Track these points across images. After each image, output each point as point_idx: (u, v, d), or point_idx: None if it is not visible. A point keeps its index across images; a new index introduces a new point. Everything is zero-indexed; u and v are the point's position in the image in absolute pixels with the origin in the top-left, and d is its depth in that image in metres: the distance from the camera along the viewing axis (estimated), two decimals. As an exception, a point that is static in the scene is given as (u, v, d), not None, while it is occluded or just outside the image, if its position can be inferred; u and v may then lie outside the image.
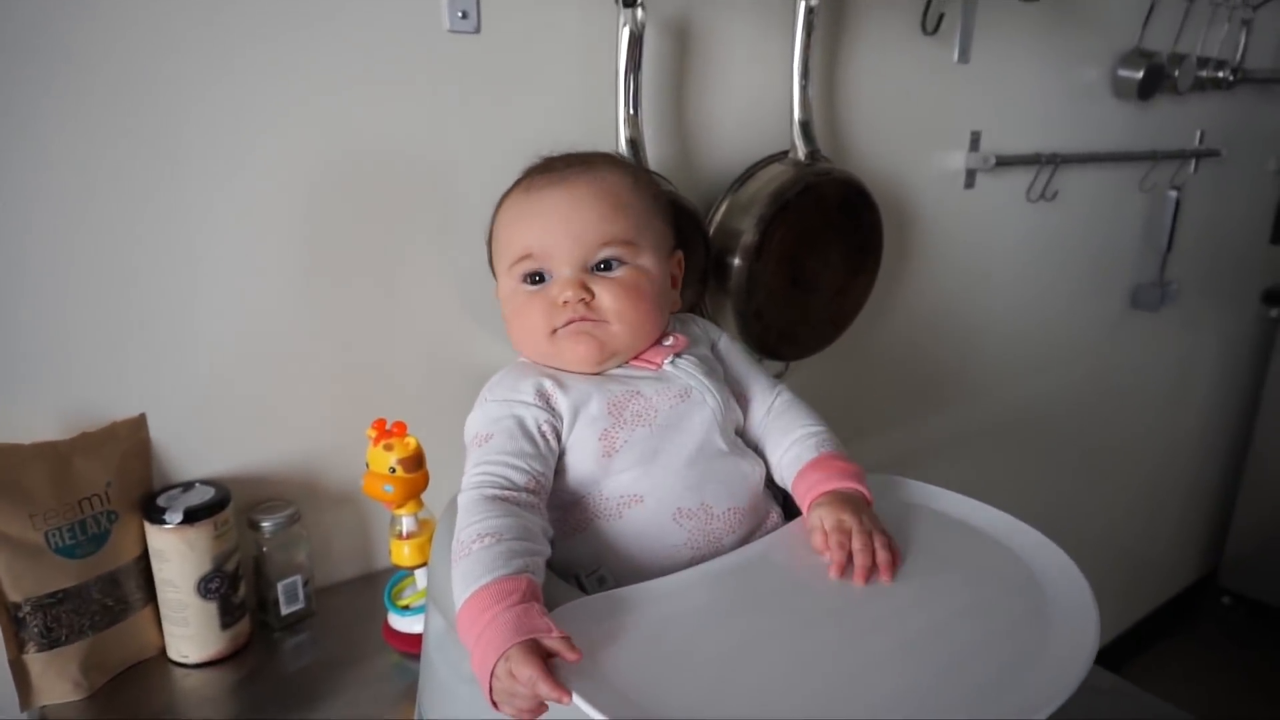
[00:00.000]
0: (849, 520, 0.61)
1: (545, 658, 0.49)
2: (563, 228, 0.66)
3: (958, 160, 1.37)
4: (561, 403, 0.64)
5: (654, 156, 0.99)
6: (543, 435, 0.63)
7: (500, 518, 0.57)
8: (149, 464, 0.80)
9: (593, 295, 0.66)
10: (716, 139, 1.08)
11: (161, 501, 0.77)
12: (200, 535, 0.76)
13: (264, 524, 0.83)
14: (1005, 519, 0.66)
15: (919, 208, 1.33)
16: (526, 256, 0.67)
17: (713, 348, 0.75)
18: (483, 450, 0.62)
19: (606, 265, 0.68)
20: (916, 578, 0.60)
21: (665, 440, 0.65)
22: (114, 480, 0.76)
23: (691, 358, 0.70)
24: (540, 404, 0.64)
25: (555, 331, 0.67)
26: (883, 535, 0.61)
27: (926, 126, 1.31)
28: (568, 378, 0.67)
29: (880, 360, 1.37)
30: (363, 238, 0.86)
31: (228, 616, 0.79)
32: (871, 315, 1.25)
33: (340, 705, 0.76)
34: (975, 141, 1.38)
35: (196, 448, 0.82)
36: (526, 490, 0.60)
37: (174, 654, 0.79)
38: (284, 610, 0.84)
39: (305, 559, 0.86)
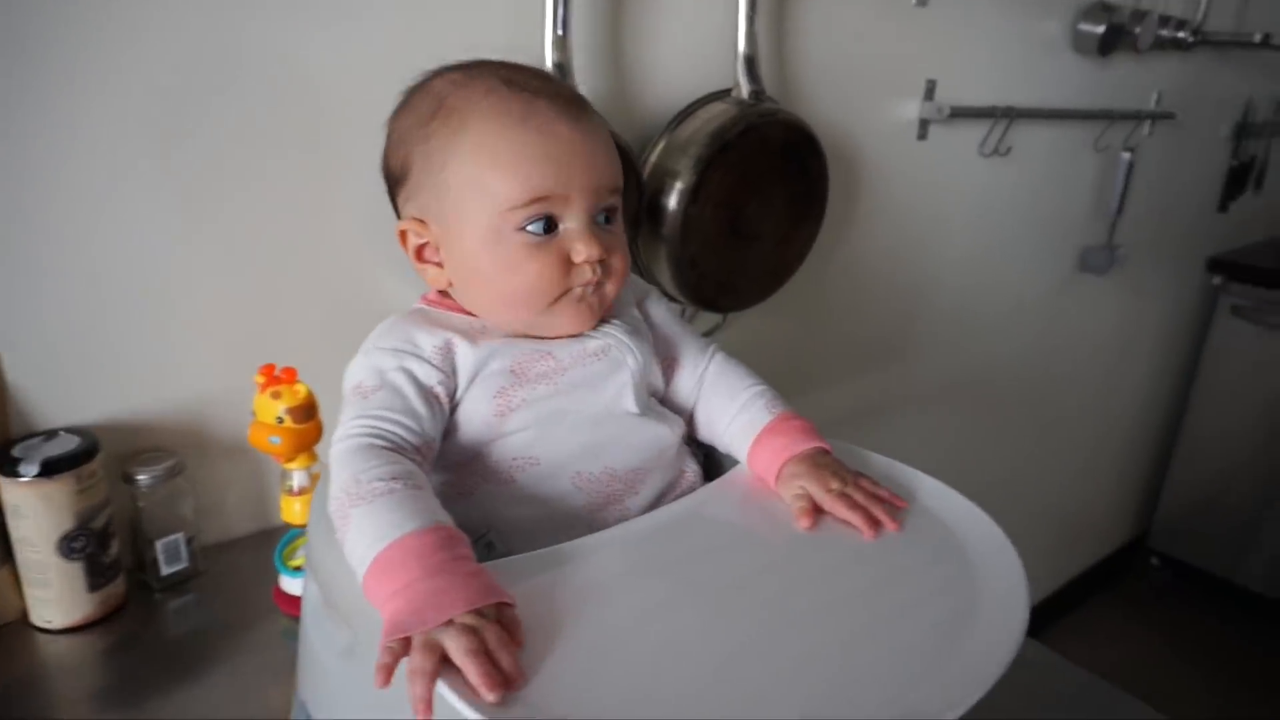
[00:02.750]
0: (836, 484, 0.58)
1: None
2: (586, 172, 0.56)
3: (911, 109, 1.32)
4: (464, 361, 0.57)
5: (584, 86, 0.91)
6: (435, 397, 0.56)
7: (404, 465, 0.50)
8: (5, 409, 0.71)
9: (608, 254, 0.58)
10: (654, 71, 1.00)
11: (17, 452, 0.69)
12: (60, 490, 0.69)
13: (139, 477, 0.75)
14: (939, 487, 0.61)
15: (869, 156, 1.27)
16: (541, 199, 0.55)
17: (639, 305, 0.69)
18: (367, 403, 0.54)
19: (607, 217, 0.59)
20: (842, 544, 0.55)
21: (570, 400, 0.58)
22: (-41, 427, 0.68)
23: (616, 320, 0.63)
24: (438, 361, 0.56)
25: (562, 296, 0.58)
26: (864, 478, 0.59)
27: (880, 72, 1.25)
28: (483, 333, 0.59)
29: (824, 314, 1.33)
30: (249, 161, 0.78)
31: (97, 578, 0.72)
32: (815, 267, 1.19)
33: (222, 674, 0.70)
34: (930, 90, 1.32)
35: (62, 392, 0.74)
36: (416, 452, 0.53)
37: (36, 619, 0.72)
38: (164, 570, 0.77)
39: (189, 515, 0.79)
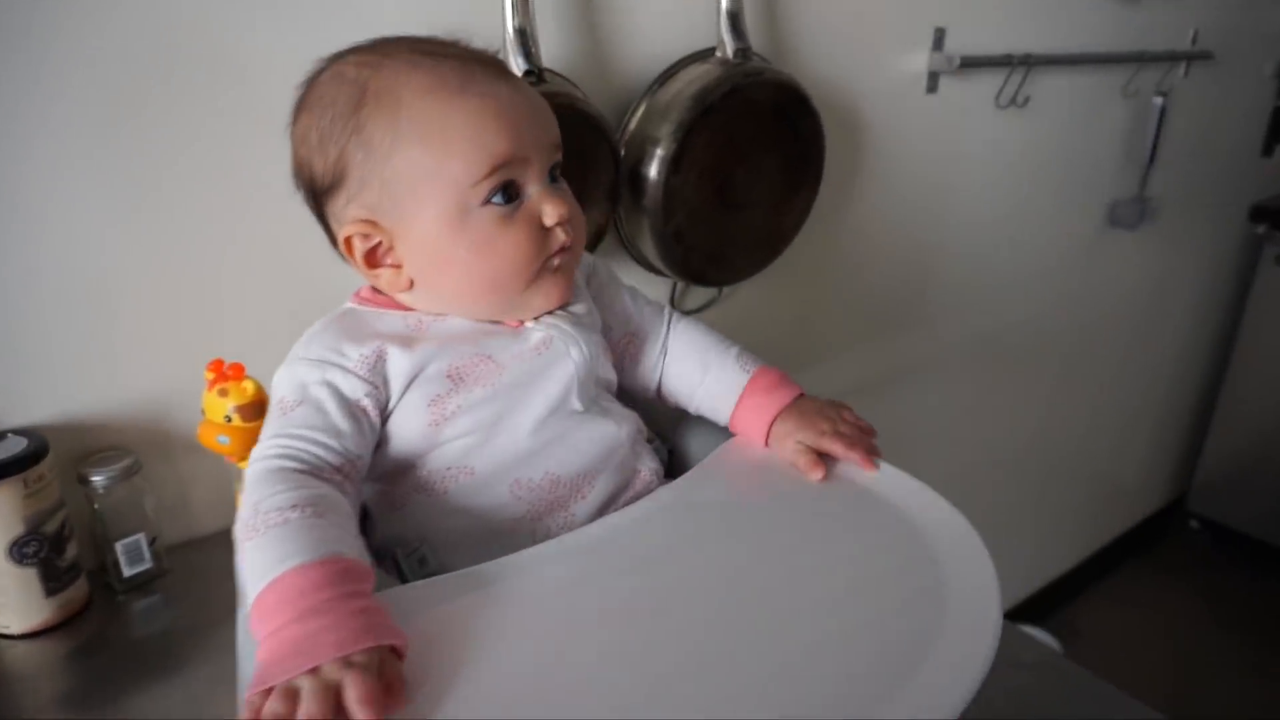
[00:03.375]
0: (826, 425, 0.59)
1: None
2: (537, 130, 0.53)
3: (918, 61, 1.24)
4: (396, 371, 0.53)
5: (552, 52, 0.86)
6: (363, 411, 0.52)
7: (313, 489, 0.47)
8: (-52, 412, 0.69)
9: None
10: (630, 31, 0.94)
11: (-40, 456, 0.67)
12: (7, 494, 0.66)
13: (94, 478, 0.73)
14: (911, 484, 0.56)
15: (872, 114, 1.20)
16: (502, 165, 0.51)
17: (588, 281, 0.64)
18: (286, 420, 0.51)
19: (554, 176, 0.56)
20: (802, 547, 0.51)
21: (510, 402, 0.54)
22: (-101, 432, 0.66)
23: (560, 311, 0.58)
24: (365, 373, 0.52)
25: (541, 268, 0.54)
26: (844, 408, 0.61)
27: (883, 21, 1.17)
28: (419, 334, 0.54)
29: (827, 283, 1.26)
30: (198, 149, 0.74)
31: (53, 582, 0.70)
32: (815, 234, 1.13)
33: (188, 675, 0.68)
34: (939, 40, 1.24)
35: (8, 393, 0.71)
36: (338, 472, 0.50)
37: (-6, 624, 0.71)
38: (126, 572, 0.75)
39: (150, 514, 0.76)
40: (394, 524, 0.54)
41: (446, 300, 0.56)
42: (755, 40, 0.98)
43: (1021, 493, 1.88)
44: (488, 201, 0.52)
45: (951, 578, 0.49)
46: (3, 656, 0.70)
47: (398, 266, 0.55)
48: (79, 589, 0.73)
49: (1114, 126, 1.61)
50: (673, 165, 0.92)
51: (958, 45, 1.24)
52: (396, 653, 0.40)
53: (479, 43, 0.57)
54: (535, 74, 0.82)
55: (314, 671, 0.37)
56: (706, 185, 0.96)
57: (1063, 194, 1.58)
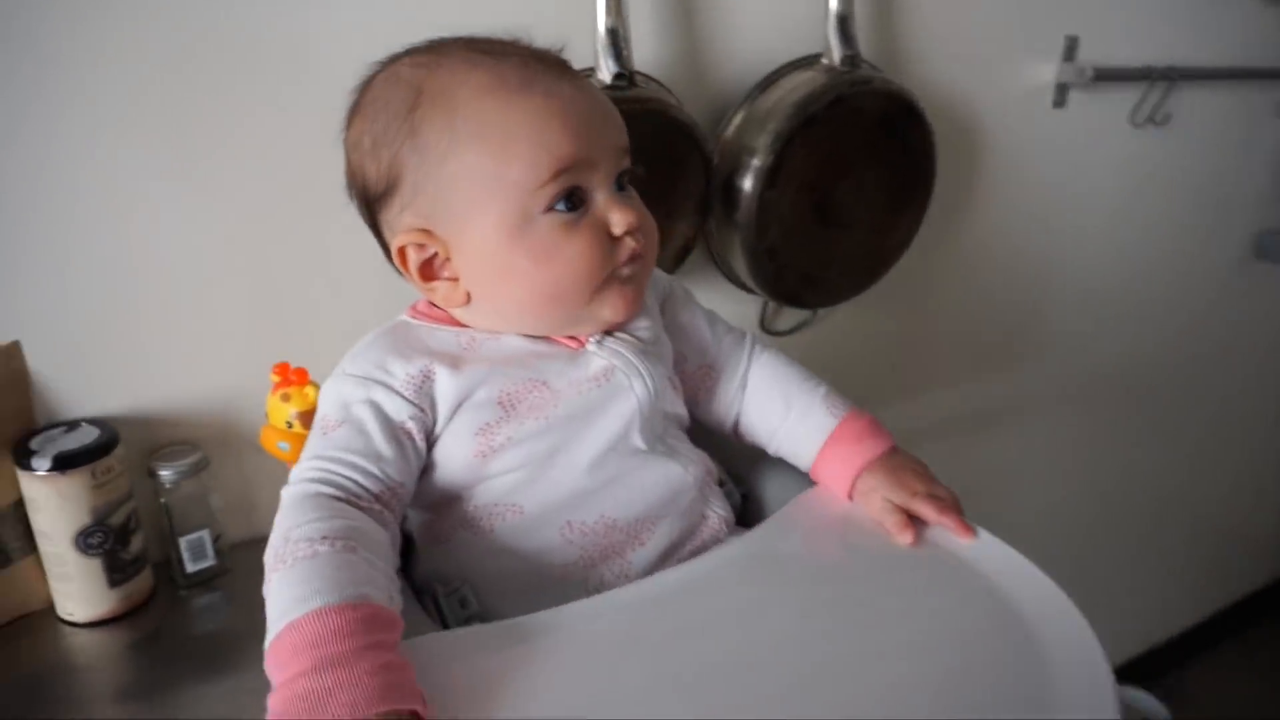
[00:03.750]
0: (921, 486, 0.53)
1: None
2: (604, 132, 0.49)
3: (1046, 72, 1.14)
4: (444, 393, 0.49)
5: (645, 54, 0.82)
6: (408, 435, 0.49)
7: (347, 520, 0.43)
8: (28, 398, 0.70)
9: None
10: (730, 34, 0.89)
11: (35, 444, 0.67)
12: (74, 484, 0.67)
13: (162, 472, 0.73)
14: (1011, 556, 0.49)
15: (991, 129, 1.11)
16: (567, 169, 0.48)
17: (662, 306, 0.59)
18: (325, 441, 0.48)
19: (622, 184, 0.52)
20: (887, 620, 0.45)
21: (564, 437, 0.50)
22: (-21, 416, 0.67)
23: (625, 335, 0.54)
24: (411, 394, 0.49)
25: (607, 280, 0.50)
26: (938, 485, 0.55)
27: (1008, 28, 1.08)
28: (470, 354, 0.51)
29: (931, 310, 1.18)
30: (277, 151, 0.73)
31: (117, 574, 0.70)
32: (921, 257, 1.05)
33: (244, 674, 0.66)
34: (1071, 49, 1.14)
35: (84, 383, 0.72)
36: (377, 500, 0.46)
37: (61, 611, 0.71)
38: (190, 568, 0.75)
39: (215, 511, 0.76)
40: (437, 558, 0.50)
41: (506, 315, 0.52)
42: (865, 47, 0.92)
43: (1135, 543, 1.73)
44: (550, 208, 0.48)
45: (1057, 665, 0.42)
46: (67, 643, 0.70)
47: (454, 279, 0.51)
48: (143, 581, 0.73)
49: (1266, 149, 1.46)
50: (769, 178, 0.87)
51: (1091, 56, 1.14)
52: (416, 718, 0.36)
53: (569, 45, 0.54)
54: (626, 77, 0.78)
55: None
56: (804, 200, 0.90)
57: (1203, 222, 1.45)
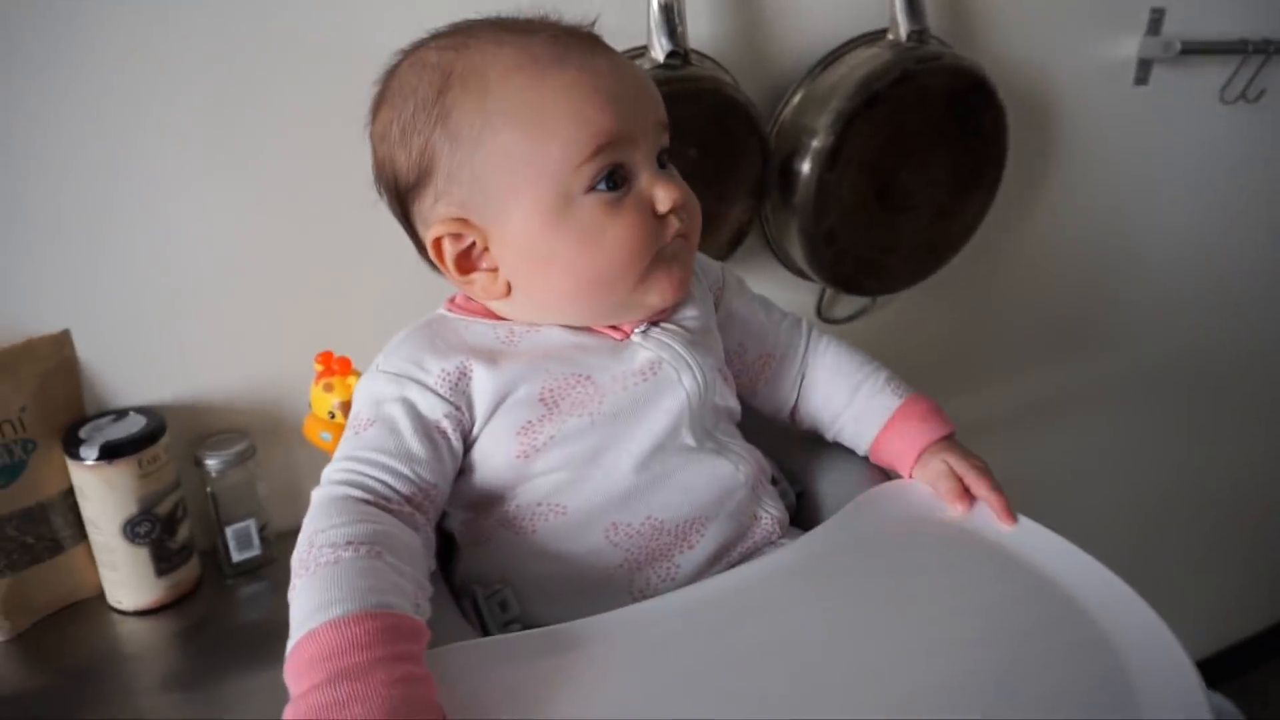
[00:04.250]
0: (978, 462, 0.53)
1: None
2: (644, 106, 0.47)
3: (1128, 46, 1.07)
4: (481, 391, 0.47)
5: (700, 31, 0.78)
6: (442, 434, 0.47)
7: (374, 524, 0.42)
8: (77, 387, 0.70)
9: None
10: (788, 11, 0.85)
11: (84, 432, 0.67)
12: (122, 474, 0.67)
13: (209, 461, 0.72)
14: (1094, 567, 0.45)
15: (1067, 108, 1.05)
16: (607, 145, 0.45)
17: (716, 297, 0.56)
18: (357, 440, 0.46)
19: (663, 161, 0.50)
20: (956, 632, 0.42)
21: (609, 435, 0.48)
22: (30, 405, 0.67)
23: (671, 325, 0.51)
24: (446, 392, 0.47)
25: (654, 261, 0.48)
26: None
27: (1087, 1, 1.01)
28: (510, 349, 0.49)
29: (997, 298, 1.12)
30: (321, 138, 0.71)
31: (164, 563, 0.70)
32: (988, 242, 1.00)
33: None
34: (1156, 22, 1.06)
35: (133, 372, 0.72)
36: (408, 502, 0.45)
37: (110, 599, 0.72)
38: (236, 557, 0.75)
39: (261, 500, 0.75)
40: (477, 559, 0.49)
41: (548, 306, 0.49)
42: (933, 20, 0.87)
43: (1210, 539, 1.64)
44: (592, 188, 0.46)
45: (1138, 672, 0.39)
46: (116, 631, 0.71)
47: (493, 270, 0.49)
48: (190, 570, 0.73)
49: (1368, 127, 1.36)
50: (828, 160, 0.83)
51: (1178, 28, 1.07)
52: None
53: (620, 22, 0.51)
54: (680, 55, 0.75)
55: None
56: (865, 183, 0.86)
57: (1296, 205, 1.35)
